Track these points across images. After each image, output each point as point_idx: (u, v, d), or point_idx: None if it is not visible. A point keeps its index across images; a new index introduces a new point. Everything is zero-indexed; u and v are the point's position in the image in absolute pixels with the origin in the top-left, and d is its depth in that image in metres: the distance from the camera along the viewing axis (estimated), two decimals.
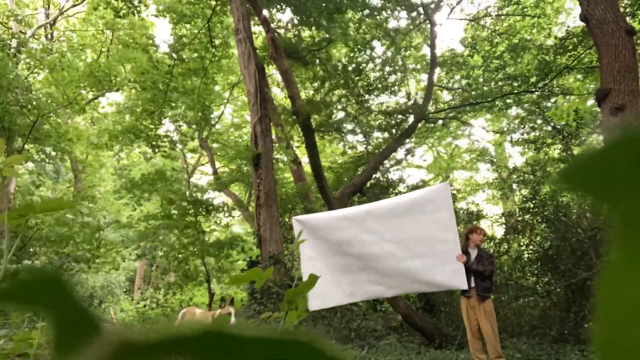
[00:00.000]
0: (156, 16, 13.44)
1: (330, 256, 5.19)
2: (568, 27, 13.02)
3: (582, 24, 7.43)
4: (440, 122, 13.82)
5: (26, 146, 12.78)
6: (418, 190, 5.57)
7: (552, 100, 12.80)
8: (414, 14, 12.47)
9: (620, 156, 0.16)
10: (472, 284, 5.12)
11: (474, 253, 5.34)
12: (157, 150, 12.62)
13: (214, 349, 0.17)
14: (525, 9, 13.19)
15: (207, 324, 0.17)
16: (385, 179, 13.05)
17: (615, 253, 0.17)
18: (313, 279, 1.49)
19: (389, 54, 14.18)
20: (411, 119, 12.53)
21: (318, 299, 4.90)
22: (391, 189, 12.91)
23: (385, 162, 13.13)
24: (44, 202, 1.08)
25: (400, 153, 14.11)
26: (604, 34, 5.46)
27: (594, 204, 0.16)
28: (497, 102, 12.58)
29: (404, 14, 13.01)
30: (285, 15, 13.86)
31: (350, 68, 14.15)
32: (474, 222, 10.44)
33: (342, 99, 13.71)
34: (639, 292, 0.17)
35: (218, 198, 13.09)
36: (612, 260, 0.17)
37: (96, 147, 14.83)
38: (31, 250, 13.31)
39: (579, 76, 12.53)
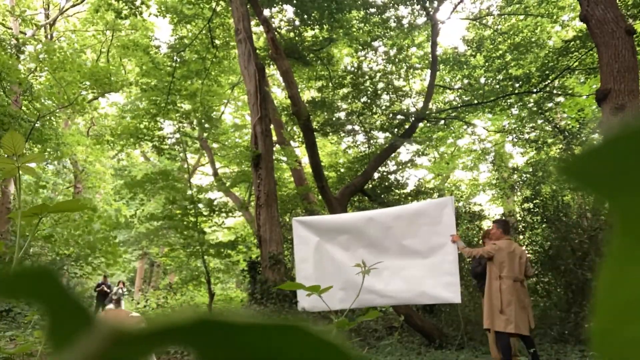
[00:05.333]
0: (157, 16, 13.44)
1: (325, 259, 5.20)
2: (573, 27, 13.04)
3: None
4: (442, 122, 13.81)
5: (27, 147, 12.79)
6: (422, 201, 5.57)
7: (556, 100, 12.79)
8: (416, 6, 12.44)
9: (620, 151, 0.16)
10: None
11: None
12: (162, 153, 12.63)
13: (207, 337, 0.17)
14: (528, 9, 13.18)
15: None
16: (387, 180, 13.06)
17: (615, 247, 0.17)
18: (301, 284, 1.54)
19: (391, 53, 14.19)
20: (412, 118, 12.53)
21: (307, 301, 4.91)
22: (393, 189, 12.92)
23: (389, 162, 13.14)
24: (59, 202, 1.08)
25: (405, 154, 14.14)
26: (604, 34, 5.45)
27: (595, 198, 0.16)
28: (498, 102, 12.57)
29: (406, 11, 13.03)
30: (286, 15, 13.88)
31: (353, 68, 14.18)
32: (475, 222, 10.45)
33: (345, 99, 13.72)
34: (638, 287, 0.17)
35: (219, 199, 13.10)
36: (612, 254, 0.17)
37: (97, 143, 14.85)
38: (31, 250, 13.32)
39: (582, 79, 12.52)
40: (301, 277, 5.21)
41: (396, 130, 12.55)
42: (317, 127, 12.66)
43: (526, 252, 5.25)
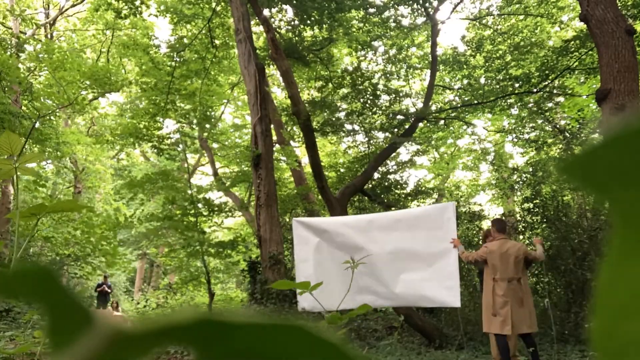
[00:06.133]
0: (156, 16, 13.45)
1: (325, 260, 5.23)
2: (573, 27, 13.04)
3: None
4: (442, 122, 13.81)
5: (27, 146, 12.78)
6: (424, 206, 5.60)
7: (556, 100, 12.78)
8: (416, 6, 12.44)
9: (620, 149, 0.16)
10: None
11: None
12: (162, 153, 12.64)
13: (208, 337, 0.17)
14: (528, 9, 13.18)
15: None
16: (387, 180, 13.05)
17: (615, 245, 0.17)
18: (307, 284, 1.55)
19: (391, 52, 14.19)
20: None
21: (307, 301, 4.92)
22: (393, 189, 12.91)
23: (389, 162, 13.13)
24: (57, 202, 1.08)
25: (405, 154, 14.13)
26: (604, 34, 5.45)
27: (595, 197, 0.16)
28: (498, 102, 12.58)
29: (406, 11, 13.04)
30: (285, 15, 13.92)
31: (352, 68, 14.16)
32: (475, 223, 10.44)
33: (344, 99, 13.71)
34: (638, 284, 0.17)
35: (219, 199, 13.13)
36: (612, 252, 0.17)
37: (97, 142, 14.85)
38: (31, 250, 13.32)
39: (582, 79, 12.51)
40: (301, 277, 5.24)
41: (396, 130, 12.55)
42: (317, 127, 12.66)
43: (523, 245, 5.23)
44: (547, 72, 11.32)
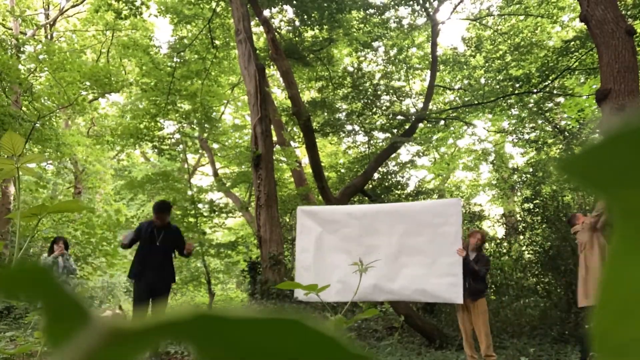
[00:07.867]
0: (157, 16, 13.46)
1: (326, 250, 5.17)
2: (573, 27, 13.05)
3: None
4: (442, 122, 13.81)
5: (27, 147, 12.78)
6: (429, 200, 5.55)
7: (556, 100, 12.79)
8: (416, 6, 12.45)
9: (620, 147, 0.16)
10: (466, 285, 5.11)
11: (472, 256, 5.36)
12: (162, 153, 12.65)
13: (206, 332, 0.17)
14: (528, 9, 13.19)
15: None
16: (387, 180, 13.05)
17: (615, 243, 0.17)
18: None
19: (391, 53, 14.20)
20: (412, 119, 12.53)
21: (303, 291, 4.88)
22: (393, 190, 12.91)
23: (389, 163, 13.13)
24: (58, 202, 1.08)
25: (405, 155, 14.14)
26: (604, 34, 5.45)
27: (595, 196, 0.17)
28: (498, 103, 12.58)
29: (406, 12, 13.06)
30: (286, 16, 13.95)
31: (353, 68, 14.18)
32: (476, 223, 10.45)
33: (345, 99, 13.72)
34: (638, 285, 0.17)
35: (219, 200, 13.13)
36: (613, 250, 0.17)
37: (97, 143, 14.85)
38: (31, 251, 13.32)
39: (582, 79, 12.51)
40: (300, 267, 5.20)
41: (396, 130, 12.55)
42: (317, 127, 12.66)
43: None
44: (547, 72, 11.32)
